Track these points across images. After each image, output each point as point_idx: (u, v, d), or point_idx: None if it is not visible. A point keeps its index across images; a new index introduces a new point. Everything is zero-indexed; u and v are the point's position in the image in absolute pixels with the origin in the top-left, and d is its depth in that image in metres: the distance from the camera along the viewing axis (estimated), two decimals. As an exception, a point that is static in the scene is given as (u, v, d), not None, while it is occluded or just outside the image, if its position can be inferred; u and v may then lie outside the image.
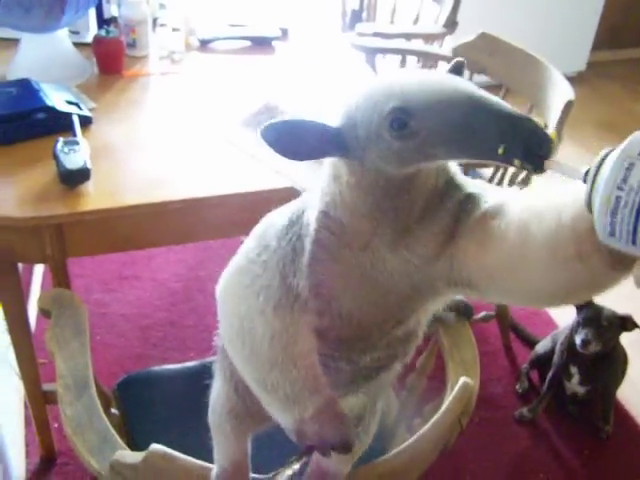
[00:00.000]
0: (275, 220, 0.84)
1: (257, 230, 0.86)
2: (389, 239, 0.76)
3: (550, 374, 2.12)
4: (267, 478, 0.82)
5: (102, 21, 1.99)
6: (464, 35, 2.34)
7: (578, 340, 1.94)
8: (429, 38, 2.61)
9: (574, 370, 2.06)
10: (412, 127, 0.65)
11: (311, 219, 0.79)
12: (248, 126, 1.64)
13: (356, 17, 3.75)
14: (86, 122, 1.60)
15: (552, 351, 2.14)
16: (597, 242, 0.57)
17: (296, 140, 0.71)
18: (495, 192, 0.77)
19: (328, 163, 0.78)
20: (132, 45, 1.92)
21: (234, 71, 1.96)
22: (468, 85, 0.65)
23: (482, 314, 2.31)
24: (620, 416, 2.21)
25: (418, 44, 2.58)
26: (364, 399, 0.86)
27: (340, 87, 1.89)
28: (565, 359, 2.06)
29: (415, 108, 0.64)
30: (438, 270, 0.78)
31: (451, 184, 0.77)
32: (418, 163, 0.70)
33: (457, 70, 0.79)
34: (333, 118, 0.73)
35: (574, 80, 2.04)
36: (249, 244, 0.86)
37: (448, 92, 0.64)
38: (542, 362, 2.22)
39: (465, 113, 0.62)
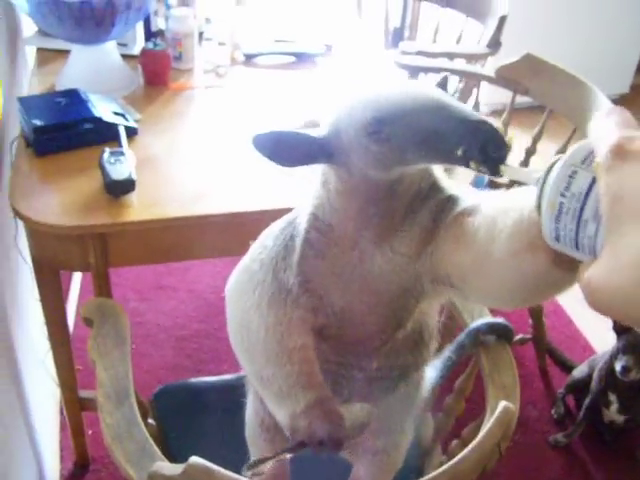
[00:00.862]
0: (276, 223, 0.90)
1: (263, 233, 0.92)
2: (375, 239, 0.81)
3: (588, 400, 2.08)
4: (251, 463, 0.83)
5: (150, 34, 2.01)
6: (507, 56, 2.33)
7: (618, 367, 1.90)
8: (472, 58, 2.60)
9: (613, 398, 2.02)
10: (386, 133, 0.70)
11: (302, 220, 0.85)
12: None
13: (398, 35, 3.77)
14: (132, 133, 1.62)
15: (589, 377, 2.10)
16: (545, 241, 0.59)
17: (285, 148, 0.76)
18: (474, 194, 0.81)
19: (318, 170, 0.83)
20: (178, 58, 1.94)
21: (278, 86, 1.98)
22: (438, 94, 0.70)
23: (519, 336, 2.28)
24: (658, 446, 2.17)
25: (461, 64, 2.57)
26: (369, 407, 0.87)
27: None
28: (604, 386, 2.02)
29: (388, 116, 0.70)
30: (421, 268, 0.82)
31: (434, 187, 0.82)
32: (396, 166, 0.74)
33: (442, 85, 0.84)
34: (321, 128, 0.79)
35: (617, 102, 2.02)
36: (254, 245, 0.92)
37: (416, 100, 0.69)
38: (578, 387, 2.19)
39: (429, 119, 0.67)
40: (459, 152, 0.64)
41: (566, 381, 2.25)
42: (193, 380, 1.57)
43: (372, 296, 0.86)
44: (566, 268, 0.58)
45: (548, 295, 0.73)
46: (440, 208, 0.80)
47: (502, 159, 0.62)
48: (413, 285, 0.85)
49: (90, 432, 1.96)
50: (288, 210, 1.45)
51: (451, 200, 0.80)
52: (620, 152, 0.46)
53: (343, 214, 0.81)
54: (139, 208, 1.41)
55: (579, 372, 2.19)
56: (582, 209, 0.51)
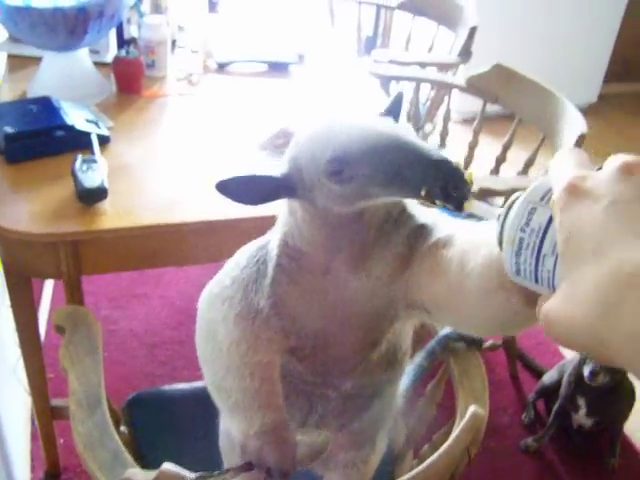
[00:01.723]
0: (254, 242, 0.90)
1: (240, 249, 0.92)
2: (348, 264, 0.81)
3: (557, 405, 2.12)
4: (196, 477, 0.83)
5: (122, 42, 2.01)
6: (478, 64, 2.37)
7: (586, 371, 1.94)
8: (443, 67, 2.63)
9: (581, 402, 2.05)
10: (347, 173, 0.70)
11: (273, 245, 0.85)
12: (264, 150, 1.65)
13: (370, 43, 3.80)
14: (104, 141, 1.62)
15: (559, 382, 2.14)
16: None
17: (248, 190, 0.77)
18: (448, 223, 0.82)
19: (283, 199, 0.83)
20: (151, 66, 1.95)
21: (251, 94, 1.99)
22: (397, 130, 0.70)
23: (489, 343, 2.30)
24: (627, 449, 2.20)
25: (432, 72, 2.60)
26: (327, 435, 0.88)
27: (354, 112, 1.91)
28: (572, 390, 2.05)
29: (348, 157, 0.70)
30: (396, 293, 0.83)
31: (405, 213, 0.82)
32: (361, 202, 0.74)
33: (398, 102, 0.85)
34: (282, 163, 0.79)
35: (585, 112, 2.07)
36: (229, 261, 0.92)
37: (376, 140, 0.69)
38: (548, 393, 2.22)
39: (390, 159, 0.68)
40: (422, 192, 0.66)
41: (536, 386, 2.28)
42: (166, 387, 1.57)
43: (346, 319, 0.86)
44: (535, 306, 0.60)
45: (519, 329, 0.75)
46: (414, 236, 0.81)
47: (463, 198, 0.64)
48: (387, 309, 0.86)
49: (62, 441, 1.94)
50: (263, 219, 1.46)
51: (425, 228, 0.81)
52: (573, 191, 0.49)
53: (312, 241, 0.81)
54: (112, 216, 1.41)
55: (549, 377, 2.23)
56: (541, 244, 0.53)
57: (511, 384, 2.42)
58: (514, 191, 1.76)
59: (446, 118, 2.47)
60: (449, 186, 0.64)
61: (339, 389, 0.94)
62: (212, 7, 2.38)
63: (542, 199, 0.54)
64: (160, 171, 1.59)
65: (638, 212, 0.45)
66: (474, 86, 2.31)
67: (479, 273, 0.69)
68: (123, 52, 1.86)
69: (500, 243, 0.58)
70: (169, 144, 1.70)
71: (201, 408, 1.44)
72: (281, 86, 2.06)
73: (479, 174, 2.44)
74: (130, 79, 1.87)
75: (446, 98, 2.50)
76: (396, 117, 0.84)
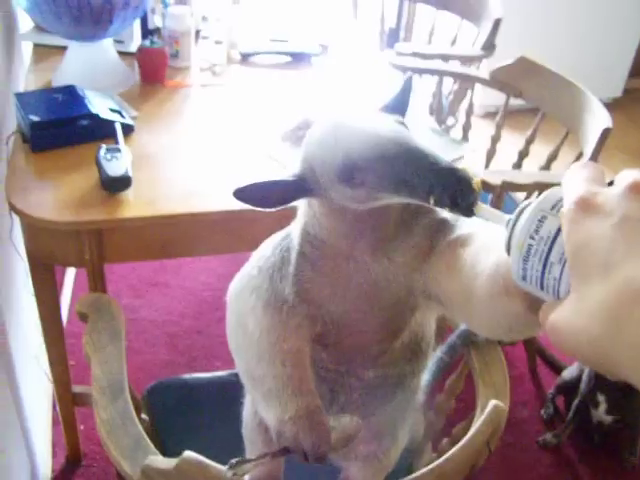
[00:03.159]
0: (279, 232, 0.91)
1: (265, 241, 0.93)
2: (370, 250, 0.83)
3: (576, 401, 2.10)
4: (233, 463, 0.84)
5: (146, 31, 2.02)
6: (501, 58, 2.35)
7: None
8: (467, 60, 2.61)
9: (601, 398, 2.04)
10: (358, 179, 0.72)
11: (295, 234, 0.86)
12: (286, 141, 1.66)
13: (393, 36, 3.78)
14: (128, 130, 1.63)
15: (578, 378, 2.12)
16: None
17: (265, 196, 0.78)
18: (468, 221, 0.81)
19: None
20: (175, 56, 1.95)
21: (274, 85, 1.99)
22: (404, 136, 0.71)
23: (509, 337, 2.30)
24: (646, 448, 2.19)
25: (455, 65, 2.59)
26: (357, 420, 0.88)
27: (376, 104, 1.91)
28: (593, 387, 2.04)
29: (359, 163, 0.71)
30: (414, 282, 0.84)
31: (423, 206, 0.82)
32: (375, 202, 0.75)
33: (407, 85, 0.86)
34: (295, 164, 0.80)
35: (609, 106, 2.04)
36: (255, 252, 0.93)
37: (384, 147, 0.70)
38: (568, 388, 2.21)
39: (398, 168, 0.68)
40: (431, 200, 0.66)
41: (556, 382, 2.27)
42: (186, 376, 1.58)
43: (369, 304, 0.87)
44: (537, 313, 0.60)
45: (524, 334, 0.76)
46: (435, 229, 0.82)
47: (471, 205, 0.65)
48: (407, 297, 0.86)
49: (82, 427, 1.96)
50: (282, 210, 1.47)
51: (447, 223, 0.82)
52: (583, 205, 0.50)
53: (332, 231, 0.83)
54: (135, 205, 1.42)
55: (569, 373, 2.21)
56: (549, 252, 0.54)
57: (530, 379, 2.41)
58: (537, 185, 1.75)
59: (469, 112, 2.45)
60: (457, 195, 0.64)
61: (362, 378, 0.95)
62: (236, -3, 2.38)
63: (553, 208, 0.55)
64: (183, 161, 1.59)
65: None
66: (498, 79, 2.29)
67: (487, 276, 0.70)
68: (147, 42, 1.87)
69: (508, 248, 0.59)
70: (192, 134, 1.71)
71: (221, 397, 1.46)
72: (303, 77, 2.05)
73: (502, 167, 2.42)
74: (154, 69, 1.88)
75: (469, 92, 2.48)
76: (405, 106, 0.86)
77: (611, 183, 0.52)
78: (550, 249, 0.54)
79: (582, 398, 2.08)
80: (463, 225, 0.81)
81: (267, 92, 1.95)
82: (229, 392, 1.21)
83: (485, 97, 3.36)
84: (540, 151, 2.32)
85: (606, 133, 1.90)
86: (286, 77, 2.04)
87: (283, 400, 0.84)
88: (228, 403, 1.23)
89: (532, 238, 0.55)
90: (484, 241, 0.75)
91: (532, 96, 2.27)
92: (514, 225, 0.58)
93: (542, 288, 0.56)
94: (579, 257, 0.49)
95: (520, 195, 2.33)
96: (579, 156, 2.08)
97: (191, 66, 2.00)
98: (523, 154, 2.32)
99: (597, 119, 1.99)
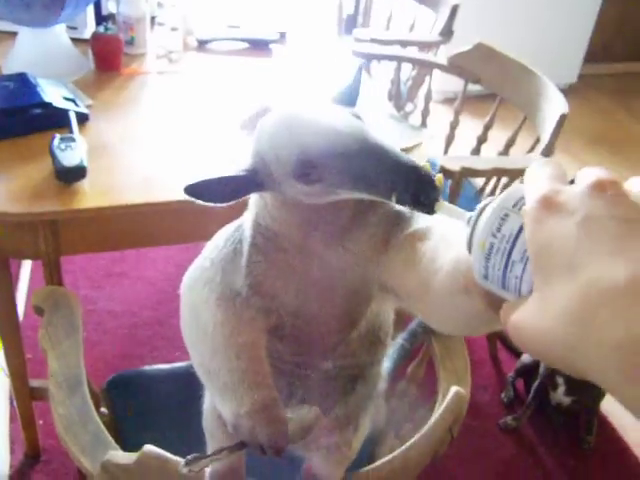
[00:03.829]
0: (232, 223, 0.90)
1: (218, 232, 0.92)
2: (324, 239, 0.81)
3: (536, 384, 2.14)
4: (189, 459, 0.83)
5: (100, 18, 1.98)
6: (459, 44, 2.36)
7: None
8: (425, 46, 2.62)
9: (560, 380, 2.07)
10: (315, 175, 0.70)
11: (247, 225, 0.85)
12: (245, 129, 1.64)
13: (351, 22, 3.77)
14: (83, 119, 1.60)
15: (537, 361, 2.15)
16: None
17: (215, 191, 0.76)
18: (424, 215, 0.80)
19: None
20: (130, 43, 1.91)
21: (231, 72, 1.96)
22: (363, 132, 0.69)
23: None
24: (603, 428, 2.23)
25: (413, 52, 2.59)
26: (316, 410, 0.88)
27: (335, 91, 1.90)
28: (552, 369, 2.07)
29: (314, 159, 0.69)
30: (370, 274, 0.83)
31: None
32: (331, 197, 0.73)
33: (359, 71, 0.85)
34: (247, 157, 0.78)
35: (565, 92, 2.06)
36: (208, 244, 0.92)
37: (343, 143, 0.68)
38: (528, 372, 2.24)
39: (358, 165, 0.67)
40: (393, 198, 0.65)
41: (515, 365, 2.31)
42: (146, 368, 1.56)
43: (324, 296, 0.86)
44: (497, 310, 0.59)
45: (482, 331, 0.76)
46: (392, 221, 0.81)
47: (433, 203, 0.64)
48: (362, 287, 0.86)
49: (41, 422, 1.93)
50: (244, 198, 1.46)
51: (403, 216, 0.81)
52: (546, 203, 0.49)
53: (285, 222, 0.81)
54: (91, 195, 1.39)
55: (528, 357, 2.24)
56: (511, 250, 0.54)
57: (491, 363, 2.44)
58: (496, 171, 1.76)
59: (427, 98, 2.46)
60: (419, 192, 0.63)
61: (320, 369, 0.94)
62: (192, -17, 2.34)
63: (515, 206, 0.55)
64: (140, 150, 1.56)
65: (610, 228, 0.45)
66: (456, 65, 2.30)
67: (446, 272, 0.69)
68: (101, 28, 1.83)
69: (469, 247, 0.58)
70: (149, 122, 1.68)
71: (182, 388, 1.44)
72: (262, 64, 2.03)
73: (461, 153, 2.44)
74: (109, 56, 1.84)
75: (427, 78, 2.48)
76: (355, 96, 0.84)
77: (572, 181, 0.52)
78: (512, 247, 0.53)
79: (541, 380, 2.12)
80: (420, 218, 0.80)
81: (225, 79, 1.92)
82: (189, 384, 1.19)
83: (443, 83, 3.37)
84: (498, 137, 2.34)
85: (563, 119, 1.92)
86: (244, 64, 2.02)
87: (239, 394, 0.84)
88: (188, 395, 1.22)
89: (494, 236, 0.54)
90: (442, 235, 0.74)
91: (490, 82, 2.28)
92: (475, 223, 0.58)
93: (504, 287, 0.55)
94: (542, 256, 0.48)
95: (479, 181, 2.34)
96: (537, 141, 2.10)
97: (147, 53, 1.97)
98: (481, 140, 2.34)
99: (554, 105, 2.01)
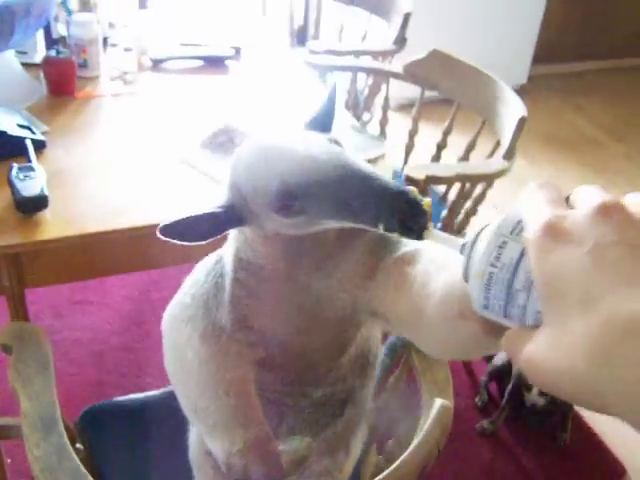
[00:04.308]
0: (210, 256, 0.87)
1: (197, 265, 0.89)
2: (309, 267, 0.79)
3: (510, 386, 2.14)
4: None
5: (51, 41, 1.93)
6: (411, 52, 2.37)
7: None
8: (380, 55, 2.62)
9: (534, 382, 2.08)
10: (297, 207, 0.67)
11: (228, 259, 0.83)
12: (206, 148, 1.62)
13: (302, 34, 3.77)
14: (40, 146, 1.55)
15: (509, 363, 2.16)
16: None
17: (192, 230, 0.73)
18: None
19: None
20: (83, 66, 1.87)
21: (188, 91, 1.94)
22: (344, 158, 0.66)
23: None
24: (577, 425, 2.25)
25: (369, 61, 2.59)
26: (309, 441, 0.86)
27: (296, 105, 1.89)
28: (525, 371, 2.07)
29: (295, 190, 0.66)
30: (359, 299, 0.81)
31: None
32: (314, 228, 0.71)
33: (331, 98, 0.82)
34: (223, 192, 0.76)
35: (517, 93, 2.08)
36: (187, 278, 0.89)
37: (324, 171, 0.65)
38: (500, 374, 2.25)
39: (342, 192, 0.64)
40: (380, 226, 0.62)
41: (487, 369, 2.31)
42: (119, 399, 1.52)
43: (312, 324, 0.84)
44: (496, 335, 0.58)
45: (477, 355, 0.75)
46: (378, 245, 0.79)
47: (423, 228, 0.61)
48: (351, 313, 0.84)
49: (9, 461, 1.86)
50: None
51: (389, 240, 0.79)
52: (551, 232, 0.47)
53: (267, 255, 0.79)
54: (54, 225, 1.35)
55: (499, 359, 2.25)
56: (512, 279, 0.52)
57: (463, 368, 2.44)
58: (459, 177, 1.76)
59: (385, 107, 2.46)
60: (407, 219, 0.61)
61: (310, 397, 0.93)
62: (142, 2, 2.30)
63: (512, 232, 0.53)
64: (101, 175, 1.53)
65: (622, 256, 0.43)
66: (412, 73, 2.31)
67: (439, 298, 0.68)
68: (53, 52, 1.78)
69: (466, 276, 0.56)
70: (107, 147, 1.64)
71: (158, 418, 1.41)
72: (218, 81, 2.01)
73: (421, 160, 2.44)
74: (62, 80, 1.80)
75: (384, 86, 2.49)
76: (330, 119, 0.82)
77: (567, 199, 0.51)
78: (513, 276, 0.51)
79: (515, 381, 2.12)
80: (408, 241, 0.78)
81: (182, 98, 1.89)
82: (168, 413, 1.16)
83: (399, 90, 3.38)
84: (458, 142, 2.35)
85: (522, 122, 1.94)
86: (200, 82, 2.00)
87: (230, 432, 0.82)
88: (165, 425, 1.19)
89: (493, 266, 0.52)
90: (432, 258, 0.73)
91: (446, 88, 2.29)
92: (471, 251, 0.56)
93: (506, 316, 0.53)
94: (552, 289, 0.46)
95: (442, 187, 2.35)
96: (497, 145, 2.12)
97: (101, 75, 1.93)
98: (441, 146, 2.34)
99: (511, 108, 2.03)
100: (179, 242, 0.73)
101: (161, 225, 0.72)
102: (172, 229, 0.73)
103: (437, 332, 0.71)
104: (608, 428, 2.25)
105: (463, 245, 0.57)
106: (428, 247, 0.75)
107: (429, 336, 0.75)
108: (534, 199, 0.50)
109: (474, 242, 0.56)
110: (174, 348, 0.88)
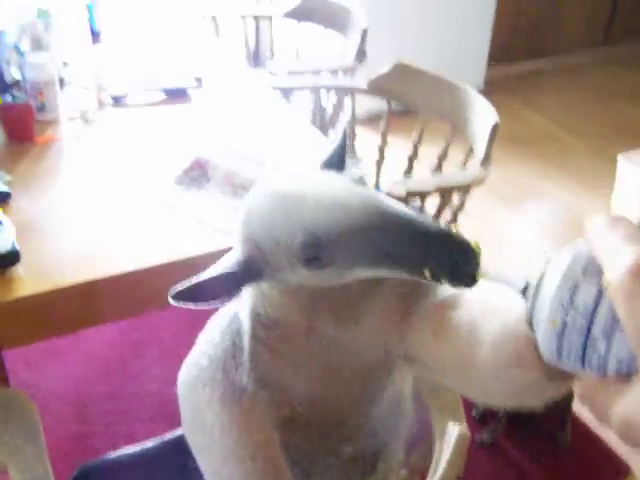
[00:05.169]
0: (223, 313, 0.82)
1: (210, 321, 0.84)
2: (332, 319, 0.74)
3: (507, 395, 2.11)
4: None
5: (5, 86, 1.85)
6: (369, 63, 2.34)
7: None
8: (342, 71, 2.59)
9: (531, 388, 2.05)
10: (325, 258, 0.62)
11: (244, 316, 0.77)
12: (181, 184, 1.55)
13: (256, 56, 3.72)
14: (4, 198, 1.47)
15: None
16: (536, 354, 0.54)
17: (207, 293, 0.69)
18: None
19: None
20: (41, 109, 1.80)
21: (153, 125, 1.87)
22: (376, 199, 0.61)
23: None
24: (576, 426, 2.22)
25: (331, 78, 2.55)
26: None
27: (265, 129, 1.84)
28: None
29: (324, 239, 0.61)
30: (391, 346, 0.76)
31: None
32: (343, 279, 0.66)
33: (343, 139, 0.76)
34: (236, 248, 0.70)
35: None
36: (201, 337, 0.84)
37: (355, 214, 0.60)
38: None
39: (381, 241, 0.59)
40: (426, 273, 0.57)
41: (481, 379, 2.27)
42: (112, 455, 1.44)
43: (340, 379, 0.79)
44: (559, 379, 0.54)
45: (531, 402, 0.70)
46: (408, 289, 0.74)
47: (475, 275, 0.56)
48: (381, 360, 0.79)
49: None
50: (196, 258, 1.37)
51: (418, 283, 0.73)
52: None
53: (287, 309, 0.74)
54: (28, 280, 1.28)
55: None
56: (590, 326, 0.48)
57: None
58: (440, 189, 1.72)
59: (352, 123, 2.43)
60: (459, 264, 0.55)
61: (340, 455, 0.87)
62: (95, 38, 2.23)
63: (584, 273, 0.48)
64: (73, 223, 1.46)
65: None
66: (377, 87, 2.28)
67: (493, 344, 0.63)
68: (8, 97, 1.71)
69: (530, 322, 0.52)
70: (76, 192, 1.57)
71: (158, 473, 1.34)
72: (183, 112, 1.95)
73: (392, 174, 2.40)
74: (20, 126, 1.72)
75: (350, 103, 2.45)
76: (342, 160, 0.77)
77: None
78: (591, 323, 0.47)
79: (511, 390, 2.09)
80: (443, 287, 0.72)
81: (147, 133, 1.83)
82: (163, 465, 1.10)
83: (363, 103, 3.36)
84: (429, 152, 2.32)
85: (495, 128, 1.91)
86: (164, 114, 1.93)
87: None
88: (164, 475, 1.13)
89: (566, 312, 0.48)
90: (478, 300, 0.67)
91: (413, 100, 2.26)
92: (536, 294, 0.51)
93: (583, 365, 0.49)
94: None
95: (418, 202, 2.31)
96: (469, 152, 2.09)
97: (60, 117, 1.85)
98: (412, 158, 2.31)
99: (482, 114, 2.01)
100: (193, 307, 0.68)
101: (173, 291, 0.67)
102: (187, 294, 0.67)
103: (489, 380, 0.67)
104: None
105: (526, 287, 0.53)
106: (467, 291, 0.70)
107: (479, 384, 0.70)
108: (610, 237, 0.45)
109: (539, 284, 0.51)
110: (193, 413, 0.82)
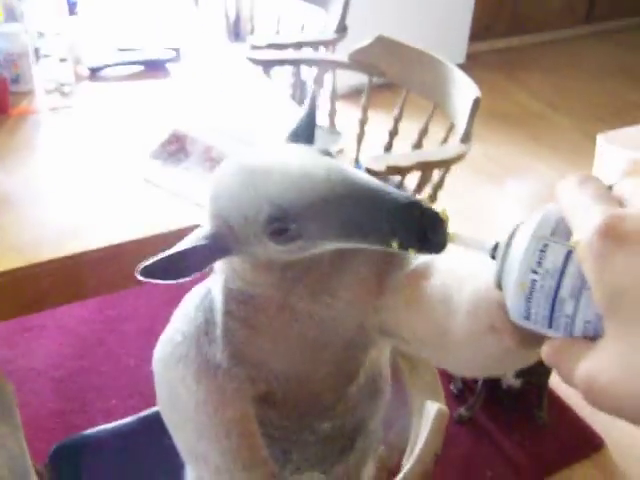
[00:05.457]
0: (198, 288, 0.81)
1: (186, 297, 0.83)
2: (306, 292, 0.73)
3: (485, 371, 2.12)
4: None
5: (-23, 58, 1.81)
6: (350, 38, 2.31)
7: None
8: (322, 45, 2.56)
9: (509, 365, 2.06)
10: (293, 230, 0.61)
11: (216, 291, 0.77)
12: (157, 158, 1.53)
13: (237, 29, 3.67)
14: (-22, 172, 1.45)
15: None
16: (508, 321, 0.53)
17: (176, 267, 0.67)
18: None
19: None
20: (15, 80, 1.76)
21: (131, 98, 1.84)
22: (342, 171, 0.60)
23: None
24: (553, 402, 2.24)
25: (312, 52, 2.52)
26: (319, 476, 0.81)
27: (243, 103, 1.81)
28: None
29: (290, 212, 0.60)
30: (366, 319, 0.76)
31: None
32: (311, 252, 0.65)
33: (312, 107, 0.76)
34: (205, 222, 0.69)
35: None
36: (176, 313, 0.83)
37: (321, 185, 0.59)
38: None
39: (348, 212, 0.58)
40: (394, 243, 0.56)
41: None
42: (90, 431, 1.43)
43: (316, 352, 0.79)
44: (531, 347, 0.53)
45: (506, 369, 0.69)
46: (383, 259, 0.73)
47: (443, 243, 0.55)
48: (359, 336, 0.78)
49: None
50: (174, 232, 1.35)
51: (392, 255, 0.73)
52: (611, 234, 0.41)
53: (259, 283, 0.73)
54: (5, 255, 1.25)
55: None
56: (557, 287, 0.46)
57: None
58: (420, 165, 1.71)
59: (333, 97, 2.40)
60: (427, 232, 0.54)
61: (317, 432, 0.86)
62: (72, 8, 2.18)
63: (553, 234, 0.47)
64: (49, 198, 1.43)
65: None
66: (358, 61, 2.25)
67: (466, 312, 0.62)
68: (-19, 69, 1.67)
69: (499, 283, 0.51)
70: (52, 166, 1.54)
71: (135, 450, 1.33)
72: (161, 85, 1.92)
73: (373, 149, 2.39)
74: (-6, 98, 1.68)
75: (331, 77, 2.42)
76: (312, 130, 0.75)
77: (610, 188, 0.45)
78: (559, 284, 0.46)
79: (490, 366, 2.10)
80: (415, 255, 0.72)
81: (125, 107, 1.79)
82: (142, 443, 1.09)
83: (343, 78, 3.33)
84: (409, 128, 2.30)
85: (477, 103, 1.90)
86: (142, 88, 1.90)
87: (234, 476, 0.75)
88: (143, 456, 1.12)
89: (535, 272, 0.47)
90: (450, 268, 0.67)
91: (394, 74, 2.24)
92: (505, 255, 0.50)
93: (550, 327, 0.48)
94: (620, 302, 0.40)
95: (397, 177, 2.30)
96: (450, 129, 2.08)
97: (35, 89, 1.81)
98: (393, 133, 2.30)
99: (463, 90, 1.99)
100: (162, 282, 0.66)
101: (140, 266, 0.65)
102: (153, 269, 0.66)
103: (464, 349, 0.66)
104: (584, 402, 2.24)
105: (494, 248, 0.52)
106: (442, 257, 0.69)
107: (455, 354, 0.69)
108: (579, 196, 0.44)
109: (507, 245, 0.50)
110: (167, 390, 0.81)
